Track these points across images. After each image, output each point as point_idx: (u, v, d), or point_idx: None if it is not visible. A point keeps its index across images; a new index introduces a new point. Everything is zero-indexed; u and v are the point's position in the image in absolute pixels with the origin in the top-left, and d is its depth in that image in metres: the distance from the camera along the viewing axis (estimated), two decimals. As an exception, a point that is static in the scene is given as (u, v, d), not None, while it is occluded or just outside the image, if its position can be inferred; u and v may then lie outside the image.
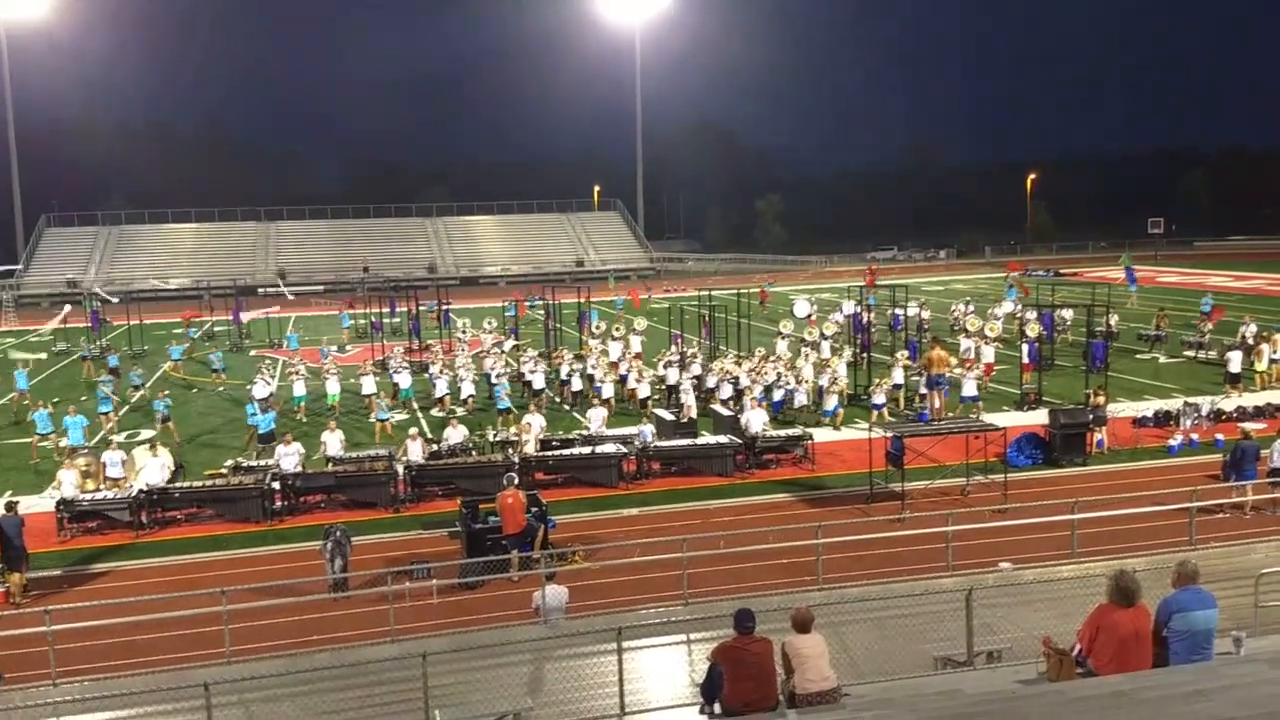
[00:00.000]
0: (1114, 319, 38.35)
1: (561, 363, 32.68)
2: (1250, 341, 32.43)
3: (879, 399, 27.01)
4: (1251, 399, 28.01)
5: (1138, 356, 36.61)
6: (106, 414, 28.82)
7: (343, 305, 55.33)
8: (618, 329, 37.86)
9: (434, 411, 30.05)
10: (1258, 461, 19.65)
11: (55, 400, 30.01)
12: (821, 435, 25.14)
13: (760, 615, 9.36)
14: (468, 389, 30.39)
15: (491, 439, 24.42)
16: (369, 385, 28.54)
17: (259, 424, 25.64)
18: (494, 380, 30.02)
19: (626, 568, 16.56)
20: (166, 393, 30.22)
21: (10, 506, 17.21)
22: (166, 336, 49.07)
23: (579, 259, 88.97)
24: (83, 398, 31.61)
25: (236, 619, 13.75)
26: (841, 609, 12.49)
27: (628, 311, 49.68)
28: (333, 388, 29.46)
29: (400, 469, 21.72)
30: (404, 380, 30.90)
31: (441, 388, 30.48)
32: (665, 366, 31.08)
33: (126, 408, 31.98)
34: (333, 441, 23.62)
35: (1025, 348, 31.40)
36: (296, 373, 31.13)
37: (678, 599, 14.60)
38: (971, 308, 43.33)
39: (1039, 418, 25.44)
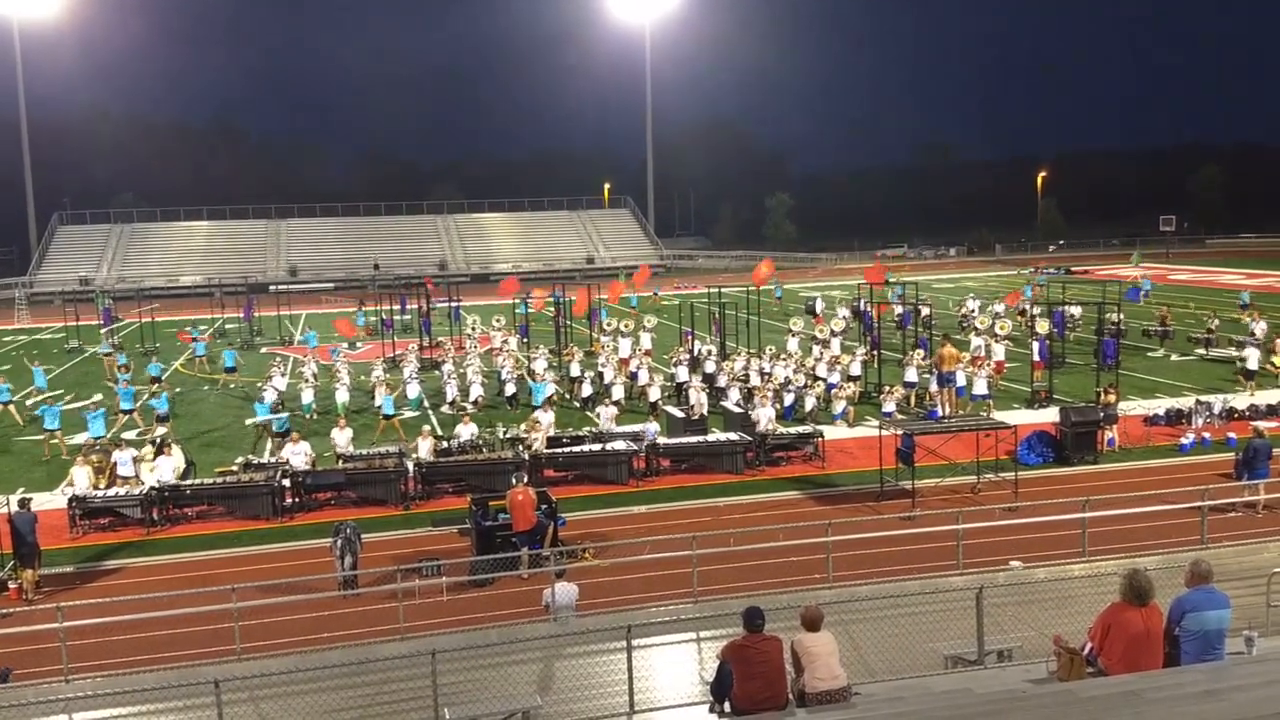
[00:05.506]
0: (1120, 316, 38.19)
1: (572, 360, 32.71)
2: (1261, 339, 32.32)
3: (889, 407, 26.85)
4: (1265, 397, 27.86)
5: (1149, 355, 36.47)
6: (130, 411, 28.87)
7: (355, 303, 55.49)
8: (627, 325, 37.84)
9: (443, 409, 30.10)
10: (1270, 460, 19.54)
11: (68, 398, 30.12)
12: (832, 433, 25.11)
13: (770, 613, 9.32)
14: (476, 390, 30.40)
15: (501, 436, 24.45)
16: (389, 407, 27.93)
17: (274, 423, 25.69)
18: (504, 377, 30.66)
19: (636, 565, 16.55)
20: (161, 391, 30.08)
21: (24, 503, 17.27)
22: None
23: (589, 256, 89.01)
24: (96, 395, 31.68)
25: (247, 616, 13.80)
26: (851, 607, 12.46)
27: (641, 308, 49.62)
28: (342, 396, 29.39)
29: (410, 466, 21.76)
30: (413, 390, 30.89)
31: (451, 392, 30.51)
32: (675, 365, 31.11)
33: (143, 400, 32.05)
34: (342, 439, 23.66)
35: (1035, 345, 31.31)
36: (305, 381, 31.14)
37: (687, 597, 14.60)
38: (977, 305, 43.35)
39: (1050, 416, 25.36)
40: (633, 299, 54.35)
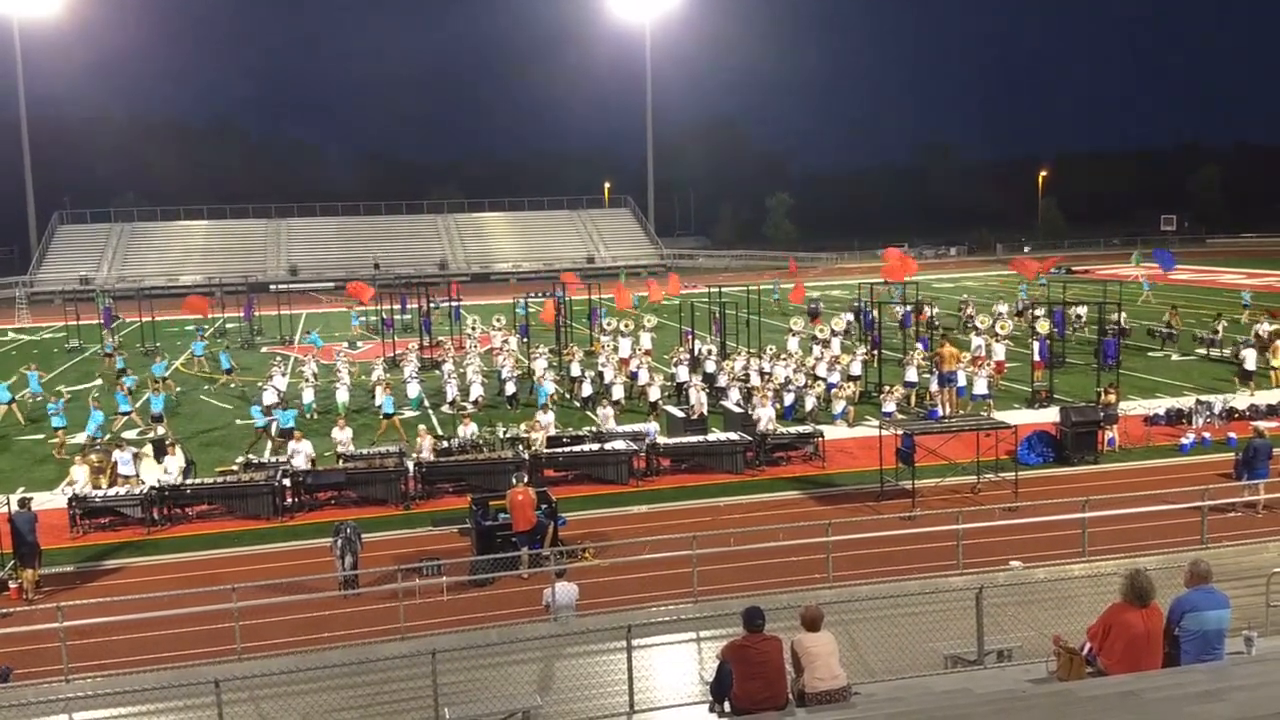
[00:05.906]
0: (1124, 316, 38.20)
1: (572, 360, 32.70)
2: (1265, 339, 32.31)
3: (889, 407, 26.84)
4: (1265, 397, 27.85)
5: (1150, 354, 36.46)
6: (128, 413, 28.88)
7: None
8: (627, 325, 37.82)
9: (444, 408, 30.09)
10: (1270, 460, 19.53)
11: (67, 397, 30.11)
12: (832, 432, 25.10)
13: (770, 613, 9.32)
14: (476, 390, 30.39)
15: (502, 435, 24.44)
16: (390, 407, 27.98)
17: (280, 419, 25.73)
18: (504, 376, 30.71)
19: (636, 565, 16.55)
20: (161, 391, 30.16)
21: (24, 503, 17.29)
22: (179, 334, 49.35)
23: (590, 255, 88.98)
24: (95, 394, 31.73)
25: (247, 616, 13.79)
26: (851, 607, 12.45)
27: (641, 308, 49.60)
28: (342, 396, 29.41)
29: (411, 465, 21.76)
30: (413, 390, 30.87)
31: (452, 392, 30.51)
32: (675, 364, 31.10)
33: (142, 400, 32.06)
34: (343, 438, 23.65)
35: (1036, 345, 31.30)
36: (305, 380, 31.14)
37: (687, 597, 14.60)
38: (972, 307, 43.39)
39: (1050, 415, 25.35)
40: (634, 299, 54.35)
